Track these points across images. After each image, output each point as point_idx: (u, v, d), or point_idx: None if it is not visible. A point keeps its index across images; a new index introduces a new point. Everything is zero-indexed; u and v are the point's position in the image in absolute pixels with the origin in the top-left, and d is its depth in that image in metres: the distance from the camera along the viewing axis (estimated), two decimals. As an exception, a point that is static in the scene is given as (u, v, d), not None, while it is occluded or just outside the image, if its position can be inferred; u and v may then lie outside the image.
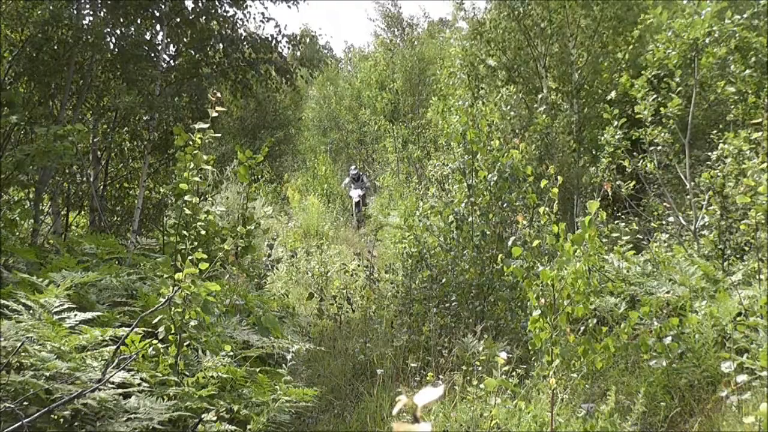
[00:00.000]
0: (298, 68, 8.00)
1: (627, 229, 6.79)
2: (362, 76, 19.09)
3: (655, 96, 6.09)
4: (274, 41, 7.57)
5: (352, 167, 16.37)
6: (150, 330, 3.36)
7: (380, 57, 18.54)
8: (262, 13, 8.44)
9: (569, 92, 9.38)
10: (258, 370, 3.65)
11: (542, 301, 3.29)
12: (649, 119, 6.10)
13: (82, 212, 7.73)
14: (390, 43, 19.87)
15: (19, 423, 2.25)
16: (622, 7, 8.98)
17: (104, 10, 6.66)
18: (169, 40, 7.19)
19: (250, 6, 7.56)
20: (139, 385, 2.87)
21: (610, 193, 6.54)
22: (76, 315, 3.26)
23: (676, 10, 6.46)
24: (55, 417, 2.58)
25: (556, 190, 3.78)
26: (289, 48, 7.83)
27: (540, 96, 9.06)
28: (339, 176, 17.97)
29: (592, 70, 9.24)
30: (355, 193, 15.25)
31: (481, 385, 3.58)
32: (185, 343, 3.30)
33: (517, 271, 3.58)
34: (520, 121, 9.22)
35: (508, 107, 9.08)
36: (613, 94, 6.90)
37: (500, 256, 4.28)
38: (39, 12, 5.87)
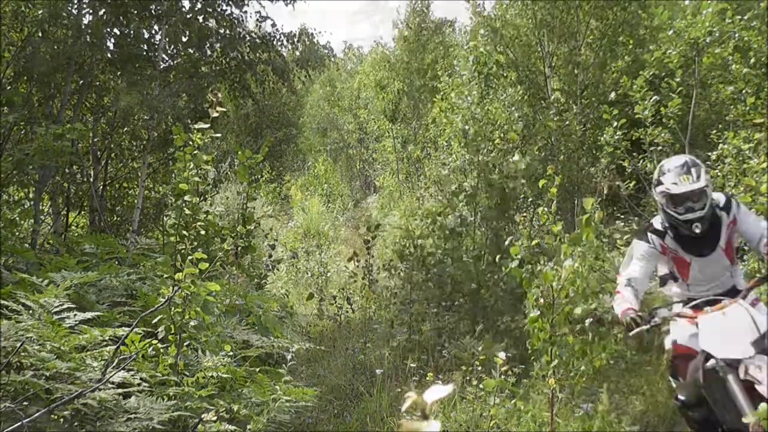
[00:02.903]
0: (295, 70, 7.94)
1: (627, 229, 6.78)
2: (361, 78, 18.97)
3: (654, 96, 6.09)
4: (272, 39, 7.53)
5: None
6: (150, 330, 3.36)
7: (381, 59, 18.40)
8: (258, 12, 8.03)
9: (573, 93, 9.36)
10: (258, 369, 3.66)
11: (541, 301, 3.29)
12: (649, 119, 6.10)
13: (82, 212, 7.73)
14: (411, 37, 19.43)
15: (19, 423, 2.25)
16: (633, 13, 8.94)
17: (104, 9, 6.66)
18: (167, 39, 7.18)
19: (248, 5, 7.47)
20: (139, 385, 2.87)
21: (605, 193, 6.54)
22: (75, 315, 3.26)
23: (678, 10, 6.46)
24: (55, 417, 2.58)
25: (554, 189, 3.78)
26: (288, 47, 7.78)
27: (551, 98, 9.04)
28: (340, 175, 17.17)
29: (599, 70, 9.20)
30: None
31: (481, 385, 3.59)
32: (185, 343, 3.30)
33: (515, 272, 3.59)
34: (523, 120, 9.19)
35: (512, 107, 9.06)
36: (613, 94, 6.90)
37: (498, 256, 4.29)
38: (40, 12, 5.85)
